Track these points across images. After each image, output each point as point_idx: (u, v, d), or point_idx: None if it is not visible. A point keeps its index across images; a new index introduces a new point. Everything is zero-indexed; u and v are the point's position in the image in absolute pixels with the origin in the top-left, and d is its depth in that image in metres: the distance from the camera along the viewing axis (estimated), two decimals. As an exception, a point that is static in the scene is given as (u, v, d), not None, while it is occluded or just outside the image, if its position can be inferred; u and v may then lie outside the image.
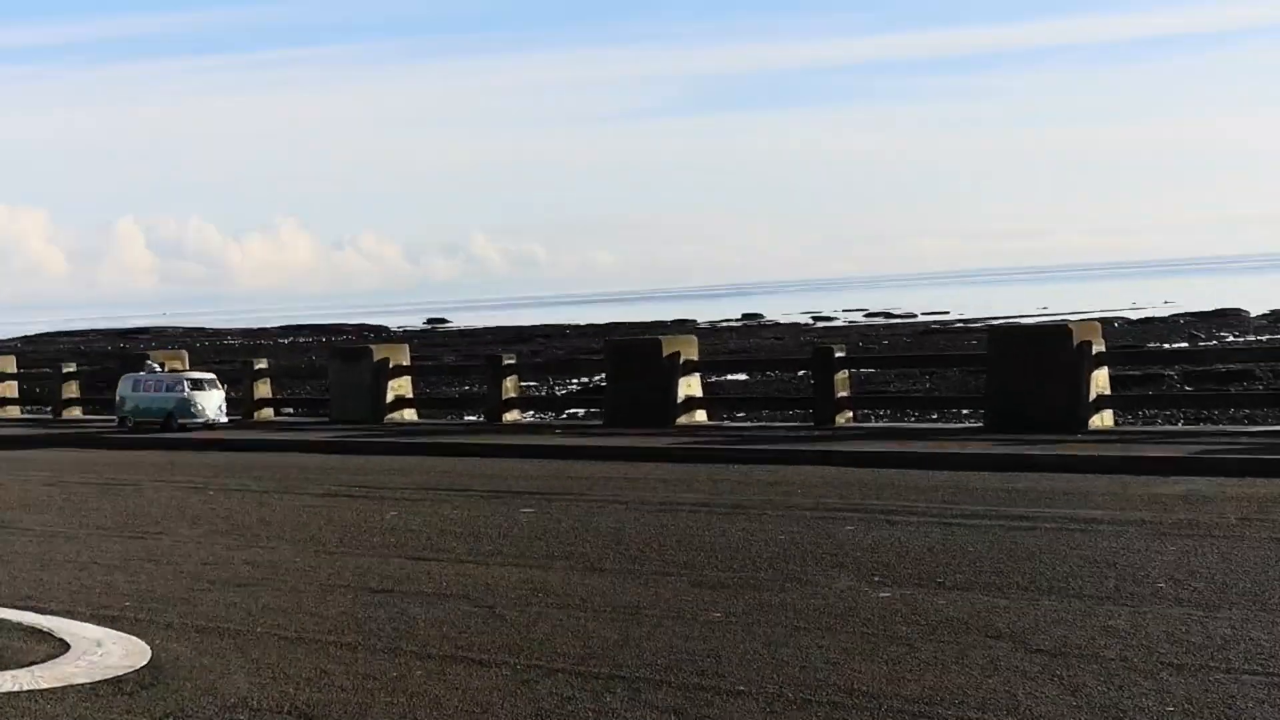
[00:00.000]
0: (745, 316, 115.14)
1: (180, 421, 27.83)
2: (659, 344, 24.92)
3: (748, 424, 26.86)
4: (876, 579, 10.68)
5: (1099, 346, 21.12)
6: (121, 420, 28.87)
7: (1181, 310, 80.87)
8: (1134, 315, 78.13)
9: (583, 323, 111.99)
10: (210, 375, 29.05)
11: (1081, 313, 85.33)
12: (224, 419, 28.22)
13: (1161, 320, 71.06)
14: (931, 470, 17.53)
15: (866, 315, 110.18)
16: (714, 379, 43.07)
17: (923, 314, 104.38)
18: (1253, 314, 72.87)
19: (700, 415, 25.03)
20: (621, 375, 25.07)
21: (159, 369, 29.45)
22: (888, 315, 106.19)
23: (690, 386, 24.84)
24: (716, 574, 11.11)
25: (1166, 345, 51.85)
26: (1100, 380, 21.05)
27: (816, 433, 22.18)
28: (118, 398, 29.20)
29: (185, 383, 28.32)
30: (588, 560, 11.97)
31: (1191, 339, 55.39)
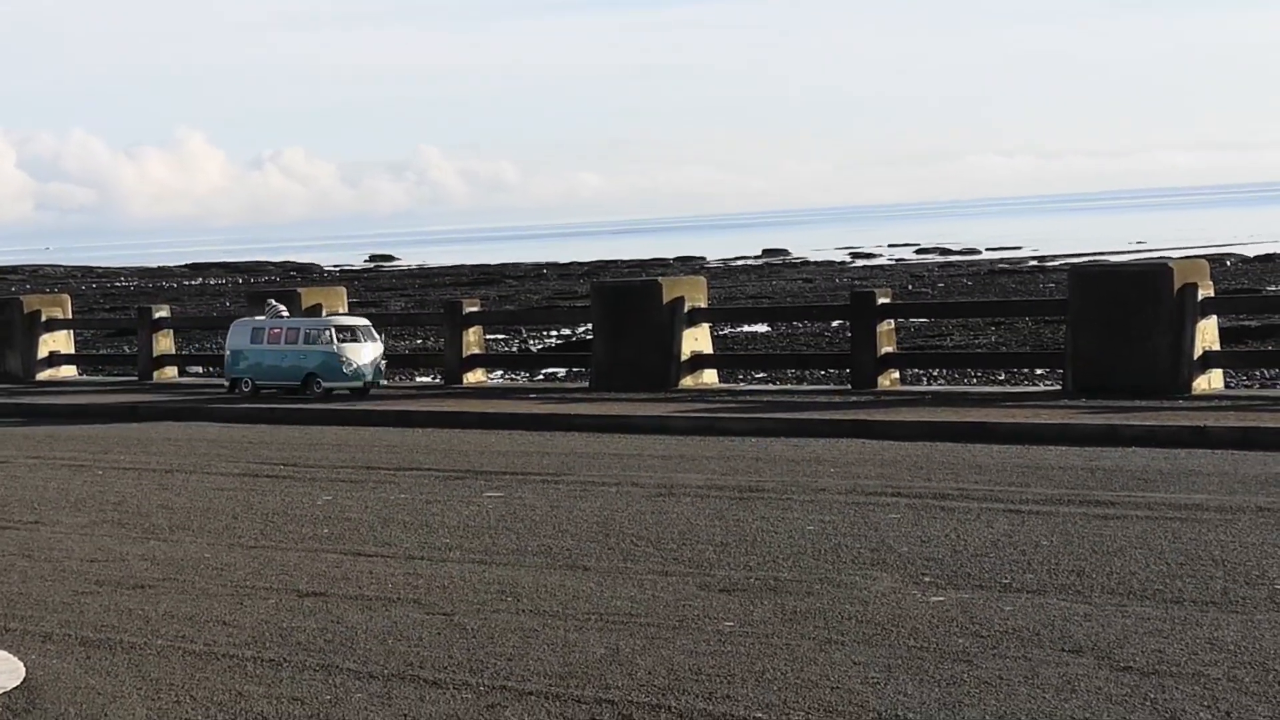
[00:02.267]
0: (767, 253, 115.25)
1: (326, 385, 25.11)
2: (659, 287, 24.94)
3: (769, 387, 26.92)
4: (927, 579, 10.73)
5: (1207, 291, 21.15)
6: (234, 383, 26.14)
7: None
8: (1251, 251, 78.19)
9: (564, 261, 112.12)
10: (363, 321, 26.09)
11: (1186, 248, 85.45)
12: (383, 380, 25.70)
13: (1285, 258, 71.10)
14: (996, 445, 17.58)
15: (917, 252, 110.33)
16: (727, 331, 43.29)
17: (988, 250, 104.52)
18: (1398, 250, 72.97)
19: (710, 376, 25.09)
20: (612, 327, 25.10)
21: (285, 312, 26.44)
22: (944, 252, 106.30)
23: (697, 341, 24.89)
24: (728, 573, 11.16)
25: (1291, 289, 51.91)
26: (1208, 333, 21.08)
27: (854, 398, 22.24)
28: (228, 352, 26.43)
29: (332, 330, 25.30)
30: (568, 556, 12.02)
31: (1322, 281, 55.46)
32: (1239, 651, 8.62)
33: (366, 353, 25.25)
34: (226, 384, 26.44)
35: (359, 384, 25.14)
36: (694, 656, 8.94)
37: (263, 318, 26.28)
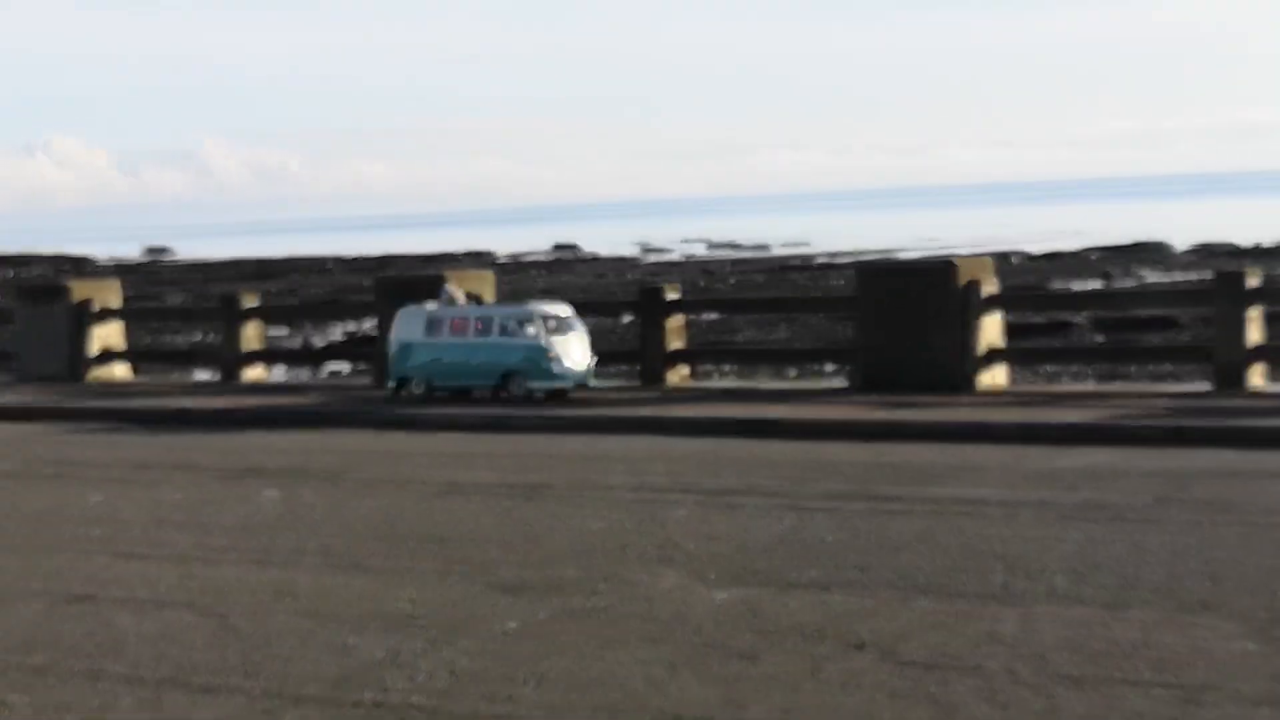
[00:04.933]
0: (557, 248, 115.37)
1: (531, 386, 21.62)
2: (445, 282, 24.79)
3: (557, 383, 26.92)
4: (712, 577, 10.82)
5: (991, 288, 21.62)
6: (400, 384, 22.52)
7: (1093, 243, 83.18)
8: (1036, 249, 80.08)
9: (350, 254, 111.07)
10: (568, 308, 22.40)
11: (972, 246, 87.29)
12: (594, 380, 22.25)
13: (1070, 255, 72.98)
14: (784, 441, 17.80)
15: (709, 247, 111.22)
16: (516, 326, 43.14)
17: (779, 246, 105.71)
18: (1177, 248, 75.29)
19: (497, 372, 25.00)
20: (391, 320, 24.88)
21: (462, 299, 22.89)
22: (735, 246, 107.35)
23: (484, 336, 24.78)
24: (513, 573, 11.15)
25: (1075, 286, 53.31)
26: (992, 329, 21.56)
27: (643, 394, 22.37)
28: (394, 346, 22.70)
29: (538, 320, 21.74)
30: (348, 557, 11.92)
31: (1105, 278, 57.04)
32: (1017, 645, 8.83)
33: (576, 346, 21.83)
34: (393, 384, 22.68)
35: (569, 384, 21.68)
36: (475, 658, 8.92)
37: (434, 305, 22.75)
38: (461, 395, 22.14)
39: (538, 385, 21.58)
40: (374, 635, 9.49)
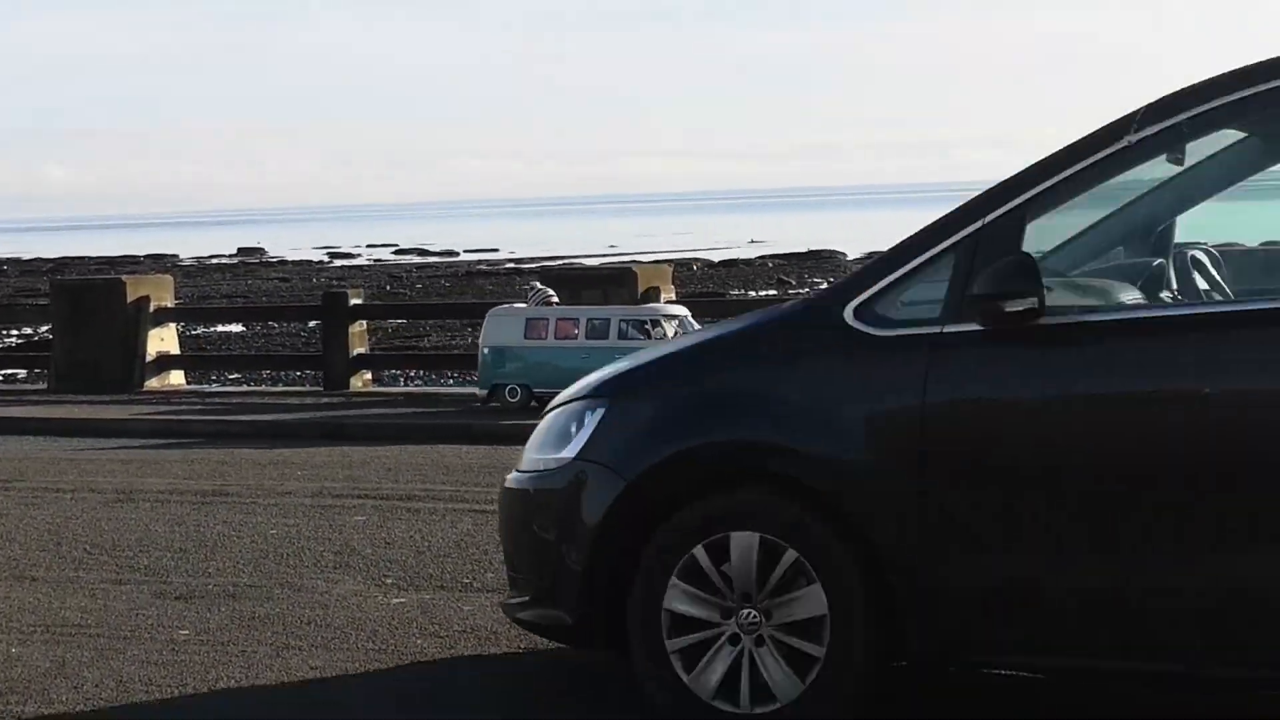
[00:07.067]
0: (242, 251, 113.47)
1: None
2: (122, 286, 24.29)
3: (241, 389, 26.54)
4: (390, 581, 10.77)
5: (669, 295, 21.97)
6: (492, 392, 20.28)
7: (771, 251, 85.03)
8: (716, 256, 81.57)
9: (27, 256, 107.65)
10: (683, 309, 20.41)
11: (654, 252, 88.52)
12: None
13: (746, 263, 74.51)
14: (466, 445, 17.77)
15: (396, 252, 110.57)
16: (199, 331, 42.47)
17: (466, 252, 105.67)
18: (850, 255, 77.47)
19: (177, 377, 24.58)
20: (73, 326, 24.29)
21: (555, 299, 20.96)
22: (423, 253, 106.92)
23: (164, 341, 24.36)
24: (186, 580, 10.93)
25: (752, 293, 54.44)
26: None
27: (325, 399, 22.13)
28: (485, 351, 20.49)
29: (662, 321, 19.70)
30: (14, 567, 11.55)
31: (781, 285, 58.35)
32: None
33: None
34: (483, 393, 20.43)
35: None
36: (145, 666, 8.72)
37: (522, 306, 20.87)
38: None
39: None
40: (40, 646, 9.20)
